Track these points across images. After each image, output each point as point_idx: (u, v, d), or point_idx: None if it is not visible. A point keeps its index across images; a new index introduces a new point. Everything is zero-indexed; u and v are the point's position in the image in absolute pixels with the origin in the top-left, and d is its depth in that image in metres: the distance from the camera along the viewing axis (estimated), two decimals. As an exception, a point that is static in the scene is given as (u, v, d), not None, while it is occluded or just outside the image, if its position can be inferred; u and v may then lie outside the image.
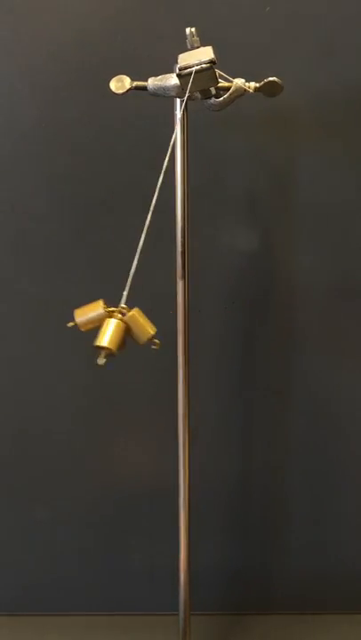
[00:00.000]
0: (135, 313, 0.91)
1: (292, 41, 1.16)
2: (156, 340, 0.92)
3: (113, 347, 0.87)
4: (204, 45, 0.88)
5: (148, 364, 1.29)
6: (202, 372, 1.26)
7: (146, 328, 0.92)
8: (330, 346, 1.29)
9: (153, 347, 0.92)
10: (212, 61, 0.87)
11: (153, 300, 1.26)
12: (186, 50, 0.89)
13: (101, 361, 0.87)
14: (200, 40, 0.89)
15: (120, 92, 0.94)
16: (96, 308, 0.90)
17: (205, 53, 0.87)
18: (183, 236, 1.02)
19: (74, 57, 1.16)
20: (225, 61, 0.93)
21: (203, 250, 1.23)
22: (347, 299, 1.28)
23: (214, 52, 0.87)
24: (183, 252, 1.02)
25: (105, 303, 0.91)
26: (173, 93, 0.93)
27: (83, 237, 1.25)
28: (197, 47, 0.89)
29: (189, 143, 0.99)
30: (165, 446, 1.29)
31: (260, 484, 1.36)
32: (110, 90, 0.94)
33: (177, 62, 0.89)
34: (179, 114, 0.97)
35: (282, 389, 1.31)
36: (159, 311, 1.27)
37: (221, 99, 0.95)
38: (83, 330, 0.90)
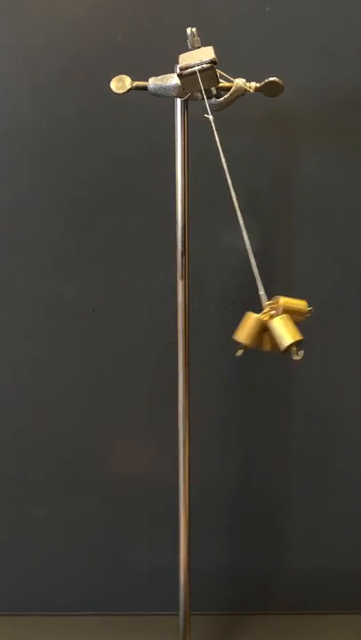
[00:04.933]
0: (285, 302, 0.92)
1: (292, 41, 1.16)
2: (310, 309, 0.94)
3: (298, 336, 0.89)
4: (205, 45, 0.89)
5: (149, 363, 1.29)
6: (202, 372, 1.26)
7: (300, 307, 0.93)
8: (330, 346, 1.29)
9: (308, 315, 0.94)
10: (212, 61, 0.87)
11: (153, 300, 1.27)
12: (187, 50, 0.89)
13: (300, 354, 0.89)
14: (201, 40, 0.89)
15: (121, 91, 0.94)
16: (250, 321, 0.91)
17: (206, 53, 0.87)
18: (183, 236, 1.02)
19: (74, 56, 1.17)
20: (225, 61, 0.93)
21: (203, 250, 1.23)
22: (347, 299, 1.28)
23: (215, 52, 0.88)
24: (183, 252, 1.02)
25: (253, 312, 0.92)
26: (174, 93, 0.93)
27: (83, 237, 1.25)
28: (198, 47, 0.89)
29: (189, 143, 0.99)
30: (165, 446, 1.29)
31: (260, 484, 1.36)
32: (111, 90, 0.95)
33: (178, 62, 0.89)
34: (179, 114, 0.97)
35: (282, 389, 1.31)
36: (159, 311, 1.27)
37: (222, 99, 0.95)
38: (253, 346, 0.91)
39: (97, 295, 1.27)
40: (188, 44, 0.89)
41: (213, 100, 0.95)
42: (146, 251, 1.25)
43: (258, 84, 0.95)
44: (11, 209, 1.23)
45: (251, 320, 0.91)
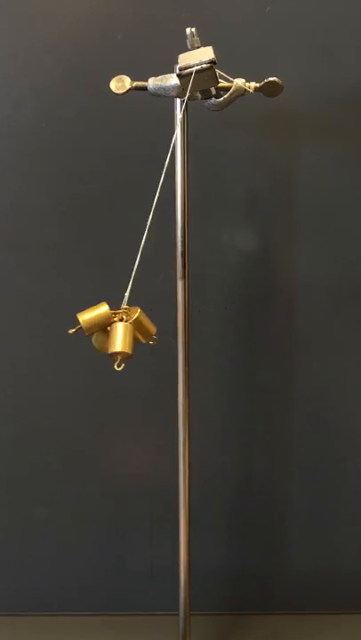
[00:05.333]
0: (139, 315, 0.91)
1: (293, 41, 1.16)
2: (155, 337, 0.94)
3: (129, 350, 0.87)
4: (205, 45, 0.88)
5: (149, 363, 1.29)
6: (202, 372, 1.26)
7: (149, 328, 0.93)
8: (330, 345, 1.29)
9: (151, 342, 0.93)
10: (212, 61, 0.87)
11: (153, 300, 1.27)
12: (186, 50, 0.89)
13: (120, 367, 0.87)
14: (200, 40, 0.89)
15: (120, 92, 0.94)
16: (101, 312, 0.90)
17: (206, 53, 0.87)
18: (183, 236, 1.02)
19: (74, 57, 1.17)
20: (225, 61, 0.93)
21: (203, 250, 1.23)
22: (347, 298, 1.28)
23: (214, 52, 0.88)
24: (183, 252, 1.02)
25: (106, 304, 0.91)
26: (174, 93, 0.93)
27: (83, 237, 1.25)
28: (198, 47, 0.89)
29: (189, 143, 0.99)
30: (165, 446, 1.29)
31: (260, 484, 1.36)
32: (111, 90, 0.94)
33: (177, 62, 0.89)
34: (179, 114, 0.97)
35: (282, 389, 1.31)
36: (160, 311, 1.27)
37: (222, 99, 0.95)
38: (87, 334, 0.90)
39: (97, 295, 1.27)
40: (188, 44, 0.89)
41: (213, 100, 0.95)
42: (146, 251, 1.25)
43: (258, 84, 0.95)
44: (11, 209, 1.23)
45: (103, 309, 0.90)
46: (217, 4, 1.15)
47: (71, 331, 0.90)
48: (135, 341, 0.90)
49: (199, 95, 0.93)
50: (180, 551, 1.13)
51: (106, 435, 1.33)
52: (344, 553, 1.39)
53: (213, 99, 0.95)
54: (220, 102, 0.95)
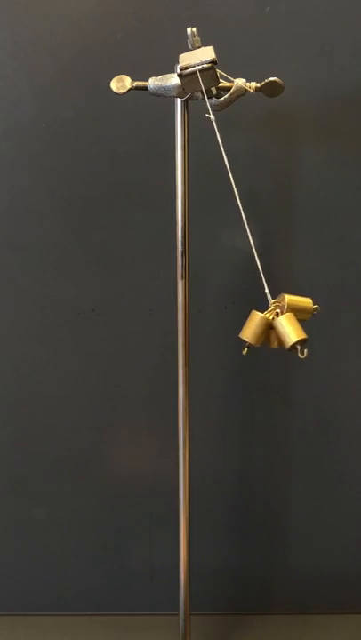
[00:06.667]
0: (289, 301, 0.91)
1: (292, 41, 1.16)
2: (315, 307, 0.94)
3: (304, 335, 0.89)
4: (205, 45, 0.89)
5: (149, 363, 1.29)
6: (202, 371, 1.26)
7: (305, 305, 0.93)
8: (330, 345, 1.29)
9: (315, 312, 0.94)
10: (213, 61, 0.87)
11: (153, 300, 1.27)
12: (187, 50, 0.89)
13: (304, 354, 0.89)
14: (201, 40, 0.89)
15: (121, 91, 0.94)
16: (256, 320, 0.91)
17: (206, 53, 0.88)
18: (183, 236, 1.02)
19: (74, 56, 1.16)
20: (225, 61, 0.93)
21: (203, 250, 1.23)
22: (347, 298, 1.28)
23: (215, 52, 0.88)
24: (183, 252, 1.02)
25: (258, 311, 0.92)
26: (174, 93, 0.94)
27: (83, 237, 1.25)
28: (198, 47, 0.89)
29: (190, 143, 0.99)
30: (165, 446, 1.30)
31: (260, 484, 1.36)
32: (111, 90, 0.95)
33: (178, 62, 0.89)
34: (179, 114, 0.97)
35: (282, 389, 1.31)
36: (159, 311, 1.27)
37: (222, 98, 0.95)
38: (259, 345, 0.91)
39: (97, 295, 1.27)
40: (189, 43, 0.89)
41: (213, 99, 0.95)
42: (146, 251, 1.25)
43: (258, 84, 0.95)
44: (11, 209, 1.23)
45: (256, 318, 0.91)
46: (217, 3, 1.15)
47: (244, 352, 0.92)
48: (301, 322, 0.90)
49: (199, 95, 0.93)
50: (180, 551, 1.13)
51: (106, 435, 1.33)
52: (344, 553, 1.40)
53: (214, 98, 0.95)
54: (221, 102, 0.95)
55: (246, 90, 0.94)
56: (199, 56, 0.88)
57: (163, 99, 0.95)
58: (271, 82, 0.95)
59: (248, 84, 0.94)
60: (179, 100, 0.96)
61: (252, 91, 0.95)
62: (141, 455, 1.34)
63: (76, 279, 1.26)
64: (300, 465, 1.35)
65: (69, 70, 1.17)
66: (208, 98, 0.94)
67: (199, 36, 0.89)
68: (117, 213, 1.23)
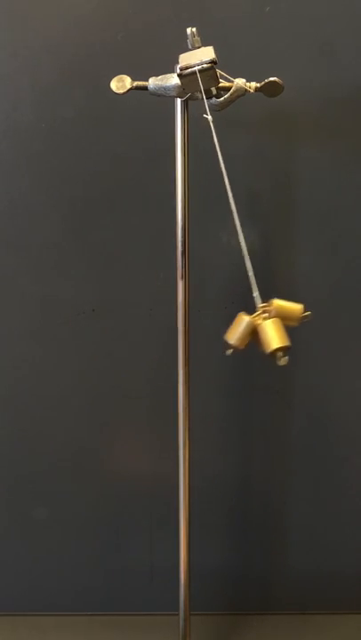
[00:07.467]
0: (277, 306, 0.91)
1: (292, 41, 1.16)
2: (306, 314, 0.93)
3: (287, 342, 0.88)
4: (205, 45, 0.89)
5: (149, 363, 1.29)
6: (202, 371, 1.26)
7: (294, 311, 0.92)
8: (330, 345, 1.29)
9: (305, 320, 0.92)
10: (212, 61, 0.87)
11: (153, 300, 1.27)
12: (187, 50, 0.89)
13: (285, 360, 0.88)
14: (201, 40, 0.89)
15: (121, 91, 0.94)
16: (243, 323, 0.91)
17: (206, 53, 0.87)
18: (183, 236, 1.02)
19: (74, 56, 1.16)
20: (225, 61, 0.93)
21: (203, 250, 1.23)
22: (347, 298, 1.28)
23: (215, 52, 0.88)
24: (183, 252, 1.02)
25: (245, 313, 0.91)
26: (174, 93, 0.93)
27: (83, 237, 1.25)
28: (198, 47, 0.89)
29: (190, 143, 0.99)
30: (165, 446, 1.29)
31: (260, 484, 1.36)
32: (111, 90, 0.94)
33: (178, 62, 0.89)
34: (179, 114, 0.97)
35: (282, 389, 1.31)
36: (159, 311, 1.27)
37: (222, 98, 0.95)
38: (242, 348, 0.91)
39: (97, 295, 1.27)
40: (189, 43, 0.89)
41: (213, 99, 0.95)
42: (146, 251, 1.25)
43: (258, 84, 0.95)
44: (11, 209, 1.23)
45: (242, 321, 0.91)
46: (217, 3, 1.15)
47: (227, 352, 0.91)
48: (288, 328, 0.90)
49: (199, 95, 0.93)
50: (180, 551, 1.13)
51: (106, 434, 1.33)
52: (344, 553, 1.39)
53: (214, 98, 0.95)
54: (221, 102, 0.95)
55: (246, 90, 0.94)
56: (199, 56, 0.88)
57: (163, 99, 0.95)
58: (271, 82, 0.95)
59: (248, 84, 0.94)
60: (179, 100, 0.96)
61: (252, 91, 0.95)
62: (141, 455, 1.34)
63: (76, 279, 1.26)
64: (300, 465, 1.35)
65: (69, 70, 1.17)
66: (208, 98, 0.94)
67: (199, 36, 0.89)
68: (117, 213, 1.23)
